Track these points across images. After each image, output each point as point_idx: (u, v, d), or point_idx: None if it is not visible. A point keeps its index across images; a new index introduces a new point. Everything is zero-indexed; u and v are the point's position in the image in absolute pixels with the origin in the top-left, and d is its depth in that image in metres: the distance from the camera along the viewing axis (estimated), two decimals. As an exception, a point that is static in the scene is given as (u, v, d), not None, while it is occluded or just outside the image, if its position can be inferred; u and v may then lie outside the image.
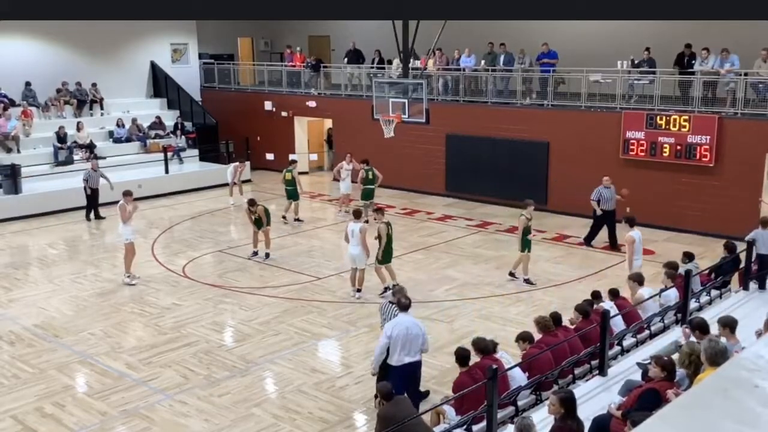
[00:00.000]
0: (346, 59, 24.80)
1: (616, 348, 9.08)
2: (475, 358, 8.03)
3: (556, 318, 8.96)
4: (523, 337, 8.50)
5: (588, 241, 16.37)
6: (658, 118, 17.22)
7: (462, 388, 7.53)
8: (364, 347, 11.09)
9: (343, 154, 20.23)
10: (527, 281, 13.76)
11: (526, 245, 13.69)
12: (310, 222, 19.56)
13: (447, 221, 18.75)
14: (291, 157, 20.47)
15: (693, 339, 7.68)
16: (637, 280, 10.56)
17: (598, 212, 15.93)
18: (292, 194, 18.58)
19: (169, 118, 25.50)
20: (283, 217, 18.68)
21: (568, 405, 6.03)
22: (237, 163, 21.54)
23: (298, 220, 18.76)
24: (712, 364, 6.02)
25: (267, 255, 15.71)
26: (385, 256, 13.22)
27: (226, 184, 21.44)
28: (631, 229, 12.54)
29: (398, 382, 8.11)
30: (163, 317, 12.41)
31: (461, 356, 7.88)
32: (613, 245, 15.90)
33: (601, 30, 20.73)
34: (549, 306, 12.08)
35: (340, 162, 19.68)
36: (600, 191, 15.93)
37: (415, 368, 8.58)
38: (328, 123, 25.56)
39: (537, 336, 8.63)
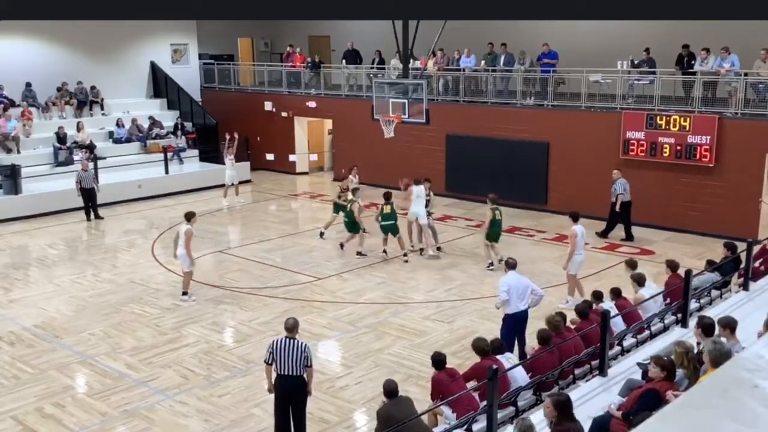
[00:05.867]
0: (344, 60, 24.81)
1: (617, 348, 9.08)
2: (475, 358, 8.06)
3: (563, 318, 9.05)
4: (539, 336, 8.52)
5: (606, 234, 16.82)
6: (658, 118, 17.22)
7: (439, 384, 7.66)
8: (364, 347, 11.10)
9: (342, 155, 20.16)
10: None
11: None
12: (310, 222, 19.56)
13: (447, 221, 18.74)
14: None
15: (695, 338, 7.68)
16: (638, 280, 10.56)
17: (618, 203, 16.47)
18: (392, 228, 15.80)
19: (169, 118, 25.49)
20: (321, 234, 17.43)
21: (562, 408, 6.00)
22: (228, 138, 21.38)
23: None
24: (715, 365, 5.99)
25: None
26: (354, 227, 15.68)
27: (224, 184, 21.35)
28: (574, 224, 12.71)
29: (510, 328, 9.86)
30: (163, 318, 12.41)
31: (436, 361, 7.89)
32: (630, 238, 16.59)
33: (601, 30, 20.73)
34: (549, 306, 12.08)
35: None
36: (623, 183, 16.42)
37: (526, 315, 10.06)
38: (328, 123, 25.56)
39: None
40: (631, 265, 11.18)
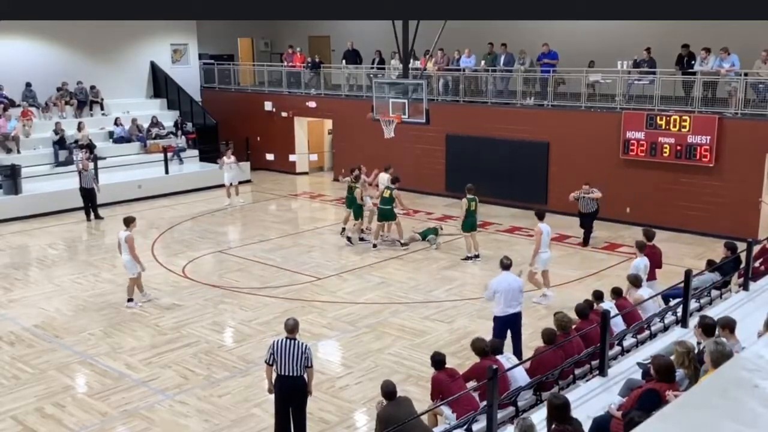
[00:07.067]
0: (344, 60, 24.81)
1: (617, 348, 9.07)
2: (475, 359, 8.05)
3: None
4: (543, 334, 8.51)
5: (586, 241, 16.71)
6: (658, 118, 17.21)
7: (439, 384, 7.67)
8: (364, 347, 11.10)
9: (342, 155, 20.12)
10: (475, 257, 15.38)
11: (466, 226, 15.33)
12: (310, 222, 19.58)
13: (447, 221, 18.73)
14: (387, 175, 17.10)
15: (695, 338, 7.68)
16: (634, 282, 10.55)
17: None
18: (388, 214, 16.27)
19: (169, 118, 25.48)
20: (343, 230, 17.30)
21: (559, 411, 5.99)
22: (225, 157, 21.20)
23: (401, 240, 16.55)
24: (716, 366, 5.97)
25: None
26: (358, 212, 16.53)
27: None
28: (540, 222, 12.90)
29: (500, 329, 9.81)
30: (163, 317, 12.41)
31: (436, 361, 7.88)
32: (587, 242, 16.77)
33: (601, 30, 20.73)
34: (548, 307, 12.10)
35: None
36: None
37: (516, 318, 9.99)
38: (328, 123, 25.57)
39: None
40: (640, 247, 11.43)
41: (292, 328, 8.10)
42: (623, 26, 19.99)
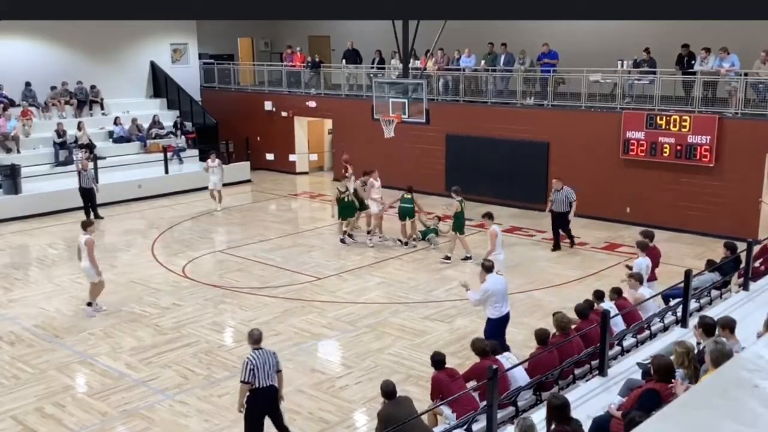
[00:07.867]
0: (344, 60, 24.82)
1: (617, 348, 9.07)
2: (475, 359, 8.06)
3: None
4: (536, 334, 8.50)
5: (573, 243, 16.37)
6: (658, 118, 17.21)
7: (438, 384, 7.68)
8: (364, 347, 11.10)
9: (342, 155, 20.07)
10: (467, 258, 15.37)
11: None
12: (310, 222, 19.58)
13: (447, 221, 18.71)
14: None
15: (694, 339, 7.68)
16: (637, 277, 10.56)
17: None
18: (410, 212, 16.51)
19: (169, 118, 25.47)
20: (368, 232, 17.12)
21: (558, 411, 6.00)
22: (209, 160, 20.77)
23: (408, 242, 16.65)
24: (716, 365, 5.97)
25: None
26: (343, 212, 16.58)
27: (224, 185, 21.12)
28: (492, 224, 13.20)
29: (495, 332, 9.70)
30: (163, 317, 12.41)
31: (436, 360, 7.87)
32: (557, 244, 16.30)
33: (601, 30, 20.73)
34: (549, 306, 12.09)
35: (366, 177, 17.04)
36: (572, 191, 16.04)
37: (509, 316, 10.10)
38: (328, 123, 25.57)
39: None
40: (643, 247, 11.39)
41: (258, 338, 8.05)
42: (623, 26, 19.99)
